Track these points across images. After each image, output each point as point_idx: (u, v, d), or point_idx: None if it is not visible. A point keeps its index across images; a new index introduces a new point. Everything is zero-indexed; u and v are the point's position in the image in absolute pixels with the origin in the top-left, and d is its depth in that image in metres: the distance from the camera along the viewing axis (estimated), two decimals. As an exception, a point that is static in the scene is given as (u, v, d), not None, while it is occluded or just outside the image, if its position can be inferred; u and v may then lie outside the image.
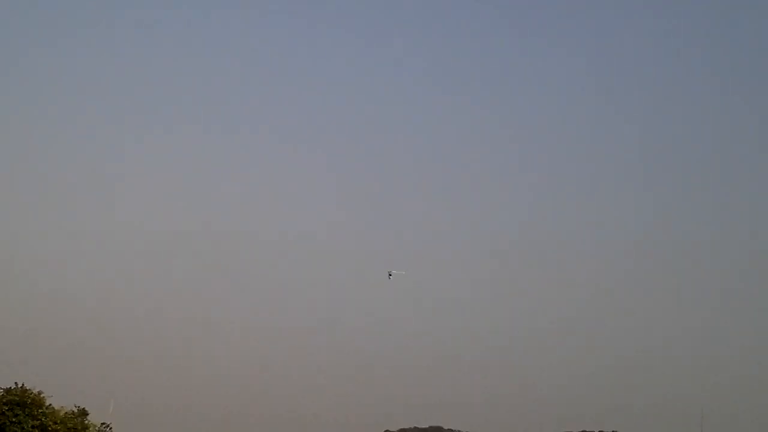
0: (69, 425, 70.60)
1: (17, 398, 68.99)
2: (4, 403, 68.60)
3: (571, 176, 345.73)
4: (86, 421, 73.08)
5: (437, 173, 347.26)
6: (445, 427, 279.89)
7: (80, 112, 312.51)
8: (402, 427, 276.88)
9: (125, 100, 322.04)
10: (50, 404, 71.08)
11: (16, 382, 70.60)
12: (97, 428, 73.70)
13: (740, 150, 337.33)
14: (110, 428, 75.49)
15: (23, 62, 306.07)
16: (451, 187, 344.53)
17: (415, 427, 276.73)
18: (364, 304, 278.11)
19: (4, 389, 70.32)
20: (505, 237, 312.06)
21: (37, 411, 69.48)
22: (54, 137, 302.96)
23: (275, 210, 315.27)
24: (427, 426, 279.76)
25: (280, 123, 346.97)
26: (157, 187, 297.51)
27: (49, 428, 69.28)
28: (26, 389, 70.04)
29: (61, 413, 71.54)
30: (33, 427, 68.55)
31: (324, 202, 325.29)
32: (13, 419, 68.07)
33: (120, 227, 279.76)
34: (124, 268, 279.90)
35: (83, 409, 74.05)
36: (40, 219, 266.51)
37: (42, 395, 70.58)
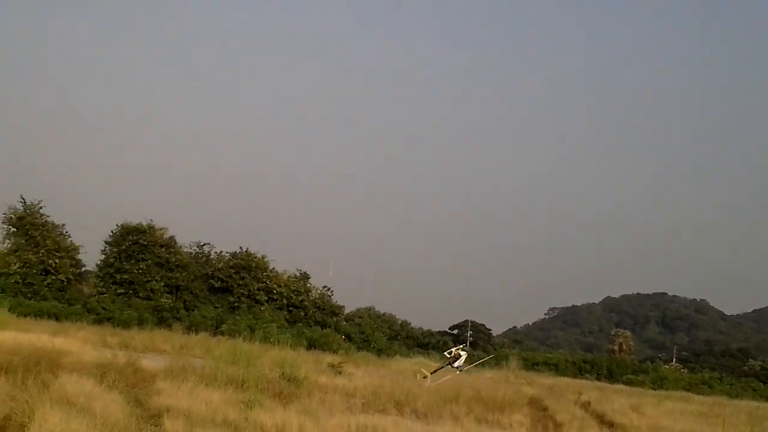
0: (292, 287, 71.35)
1: (243, 262, 70.30)
2: (231, 267, 70.17)
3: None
4: (308, 284, 73.58)
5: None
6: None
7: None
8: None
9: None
10: (273, 268, 72.05)
11: (240, 247, 72.39)
12: (319, 291, 73.99)
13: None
14: (331, 291, 75.60)
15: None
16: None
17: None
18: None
19: (230, 254, 72.27)
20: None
21: (262, 274, 70.68)
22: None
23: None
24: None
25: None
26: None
27: (274, 290, 70.49)
28: (251, 253, 71.31)
29: (284, 277, 72.41)
30: (258, 289, 69.73)
31: None
32: (240, 282, 69.73)
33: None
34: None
35: (305, 272, 74.64)
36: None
37: (266, 259, 71.74)
